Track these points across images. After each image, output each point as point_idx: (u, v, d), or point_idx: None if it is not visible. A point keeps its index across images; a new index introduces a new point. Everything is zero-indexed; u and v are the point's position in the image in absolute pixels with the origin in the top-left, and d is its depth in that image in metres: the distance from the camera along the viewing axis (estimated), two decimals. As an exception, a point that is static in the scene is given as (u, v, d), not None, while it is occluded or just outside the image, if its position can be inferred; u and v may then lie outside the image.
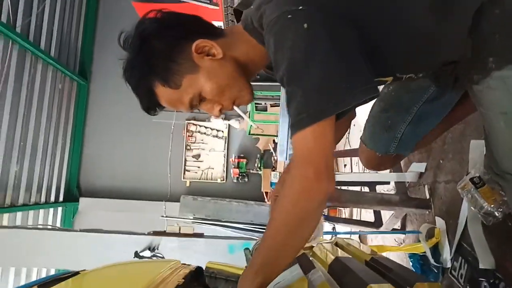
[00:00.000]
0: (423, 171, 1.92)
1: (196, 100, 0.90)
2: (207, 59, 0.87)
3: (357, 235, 2.76)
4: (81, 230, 3.57)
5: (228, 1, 3.23)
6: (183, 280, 1.48)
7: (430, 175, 1.88)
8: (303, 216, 0.77)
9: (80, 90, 6.45)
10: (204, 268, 1.88)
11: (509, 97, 0.82)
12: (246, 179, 6.30)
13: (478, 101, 0.89)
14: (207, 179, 6.48)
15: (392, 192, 2.03)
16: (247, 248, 1.51)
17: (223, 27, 2.96)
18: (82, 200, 6.27)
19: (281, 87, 0.81)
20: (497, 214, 1.40)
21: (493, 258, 1.42)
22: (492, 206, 1.42)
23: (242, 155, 6.37)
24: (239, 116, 6.54)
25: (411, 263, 1.86)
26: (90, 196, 6.33)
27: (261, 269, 0.79)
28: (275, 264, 0.80)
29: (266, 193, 5.99)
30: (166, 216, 6.25)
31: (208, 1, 3.36)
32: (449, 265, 1.66)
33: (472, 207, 1.50)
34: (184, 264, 1.93)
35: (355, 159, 3.24)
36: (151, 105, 0.93)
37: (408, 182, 2.03)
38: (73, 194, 6.26)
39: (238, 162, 6.29)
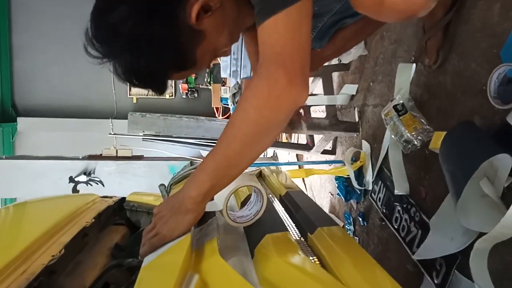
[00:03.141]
0: (355, 93, 1.84)
1: (213, 58, 0.82)
2: (207, 20, 0.73)
3: (295, 156, 2.78)
4: (6, 158, 3.31)
5: None
6: (92, 220, 1.40)
7: (361, 97, 1.81)
8: (265, 126, 0.68)
9: (-3, -5, 5.61)
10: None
11: None
12: (196, 95, 6.09)
13: None
14: (154, 95, 6.20)
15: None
16: (162, 184, 1.43)
17: None
18: (21, 120, 5.86)
19: None
20: (415, 142, 1.38)
21: (408, 185, 1.43)
22: (412, 134, 1.38)
23: (190, 69, 6.05)
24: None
25: (336, 185, 1.89)
26: (29, 115, 5.91)
27: (212, 174, 0.73)
28: (226, 172, 0.74)
29: (217, 108, 5.87)
30: (115, 134, 6.06)
31: None
32: (370, 187, 1.69)
33: (392, 136, 1.47)
34: (106, 197, 1.84)
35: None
36: (165, 89, 0.83)
37: (340, 105, 1.96)
38: (9, 114, 5.82)
39: (187, 77, 5.99)
